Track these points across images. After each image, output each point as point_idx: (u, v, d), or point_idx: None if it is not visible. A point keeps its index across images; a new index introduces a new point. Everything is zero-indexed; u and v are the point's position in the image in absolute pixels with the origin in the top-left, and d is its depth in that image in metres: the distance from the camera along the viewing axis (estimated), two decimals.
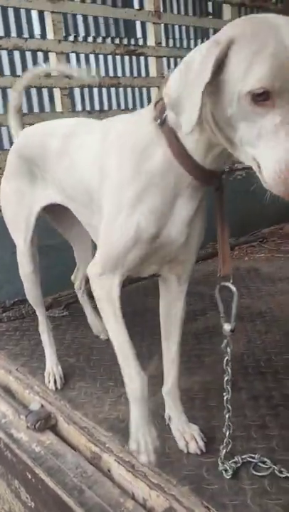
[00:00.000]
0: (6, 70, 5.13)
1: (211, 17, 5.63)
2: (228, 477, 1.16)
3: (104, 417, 1.45)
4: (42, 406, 1.57)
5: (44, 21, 2.39)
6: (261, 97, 0.82)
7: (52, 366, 1.69)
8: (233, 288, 1.16)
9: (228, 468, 1.18)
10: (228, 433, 1.23)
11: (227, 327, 1.19)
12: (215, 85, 0.87)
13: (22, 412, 1.55)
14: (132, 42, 5.37)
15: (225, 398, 1.23)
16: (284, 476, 1.15)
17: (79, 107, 4.24)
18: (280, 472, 1.15)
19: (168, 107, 0.98)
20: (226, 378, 1.24)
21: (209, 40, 0.89)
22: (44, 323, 1.73)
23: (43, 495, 1.37)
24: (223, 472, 1.18)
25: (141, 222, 1.08)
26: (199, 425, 1.36)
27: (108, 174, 1.14)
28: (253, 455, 1.21)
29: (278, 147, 0.83)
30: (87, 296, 1.95)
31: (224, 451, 1.22)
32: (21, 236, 1.65)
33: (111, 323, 1.19)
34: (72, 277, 2.02)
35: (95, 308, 1.92)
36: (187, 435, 1.31)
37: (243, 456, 1.21)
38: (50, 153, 1.40)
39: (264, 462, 1.19)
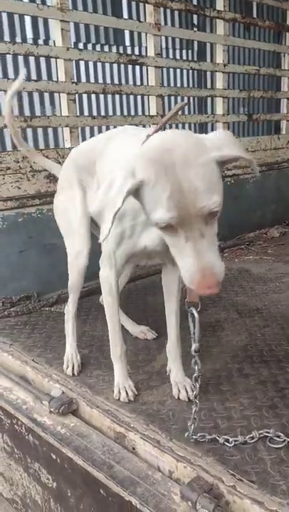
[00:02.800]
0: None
1: (196, 30, 5.84)
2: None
3: (125, 402, 1.56)
4: (63, 392, 1.66)
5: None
6: (165, 228, 1.06)
7: (72, 353, 1.80)
8: (196, 314, 1.31)
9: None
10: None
11: (194, 347, 1.32)
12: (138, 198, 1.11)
13: (43, 398, 1.64)
14: (135, 51, 5.57)
15: (193, 410, 1.35)
16: None
17: (86, 112, 4.39)
18: None
19: (92, 213, 1.33)
20: (194, 392, 1.36)
21: (127, 169, 1.08)
22: (73, 312, 1.85)
23: (68, 474, 1.47)
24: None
25: (123, 232, 1.39)
26: (214, 407, 1.49)
27: None
28: (269, 430, 1.34)
29: (184, 259, 1.07)
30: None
31: (192, 426, 1.35)
32: (80, 239, 1.75)
33: (109, 306, 1.58)
34: None
35: (127, 313, 2.06)
36: (181, 385, 1.58)
37: (260, 431, 1.34)
38: (95, 156, 1.60)
39: (278, 436, 1.32)
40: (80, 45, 5.69)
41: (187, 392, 1.56)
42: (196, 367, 1.33)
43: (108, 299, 1.58)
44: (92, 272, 1.69)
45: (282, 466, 1.23)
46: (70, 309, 1.85)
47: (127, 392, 1.57)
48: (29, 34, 5.79)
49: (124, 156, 1.25)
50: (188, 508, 1.16)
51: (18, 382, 1.78)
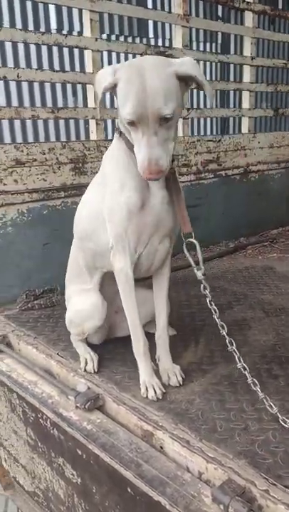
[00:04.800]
0: (45, 65, 5.21)
1: (220, 21, 5.74)
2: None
3: (152, 400, 1.53)
4: (88, 388, 1.64)
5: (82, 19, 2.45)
6: (129, 123, 1.31)
7: (86, 349, 1.80)
8: (195, 241, 1.51)
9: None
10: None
11: (199, 272, 1.50)
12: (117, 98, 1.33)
13: (69, 393, 1.62)
14: (159, 42, 5.50)
15: (216, 319, 1.51)
16: None
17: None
18: None
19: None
20: (215, 316, 1.51)
21: (111, 68, 1.34)
22: None
23: (94, 470, 1.45)
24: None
25: (128, 199, 1.48)
26: (244, 408, 1.46)
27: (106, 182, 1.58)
28: None
29: (141, 150, 1.32)
30: None
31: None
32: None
33: (126, 296, 1.58)
34: None
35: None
36: (170, 372, 1.62)
37: None
38: None
39: None
40: (104, 37, 5.67)
41: (177, 377, 1.60)
42: (207, 291, 1.50)
43: (126, 289, 1.57)
44: None
45: None
46: None
47: (154, 389, 1.55)
48: (53, 25, 5.76)
49: None
50: (220, 511, 1.13)
51: (42, 376, 1.77)
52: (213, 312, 1.50)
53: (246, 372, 1.46)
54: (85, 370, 1.73)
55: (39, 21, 5.61)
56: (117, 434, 1.45)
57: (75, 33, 5.07)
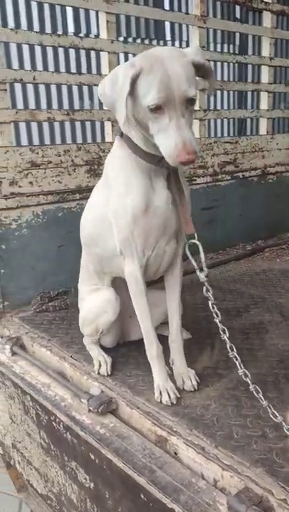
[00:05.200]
0: (62, 67, 5.24)
1: (238, 22, 5.69)
2: None
3: (166, 404, 1.50)
4: (102, 391, 1.62)
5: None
6: (155, 108, 1.29)
7: (99, 351, 1.79)
8: (198, 242, 1.50)
9: None
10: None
11: (202, 274, 1.48)
12: (132, 96, 1.32)
13: (82, 396, 1.60)
14: (176, 44, 5.47)
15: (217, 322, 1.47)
16: None
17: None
18: None
19: (104, 104, 1.41)
20: (217, 320, 1.47)
21: (126, 64, 1.32)
22: None
23: (107, 475, 1.42)
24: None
25: (133, 201, 1.47)
26: (261, 414, 1.41)
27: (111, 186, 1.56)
28: None
29: (167, 137, 1.30)
30: None
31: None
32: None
33: (137, 300, 1.58)
34: None
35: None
36: (185, 376, 1.59)
37: None
38: None
39: None
40: (121, 39, 5.67)
41: (192, 381, 1.57)
42: (210, 293, 1.48)
43: (136, 293, 1.57)
44: None
45: None
46: None
47: (169, 394, 1.52)
48: (70, 28, 5.79)
49: None
50: None
51: (56, 379, 1.76)
52: (215, 316, 1.47)
53: (248, 379, 1.40)
54: (99, 373, 1.71)
55: (56, 25, 5.64)
56: (131, 438, 1.43)
57: (92, 35, 5.07)
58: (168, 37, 6.37)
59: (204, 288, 1.48)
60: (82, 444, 1.51)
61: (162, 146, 1.32)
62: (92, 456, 1.46)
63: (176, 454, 1.36)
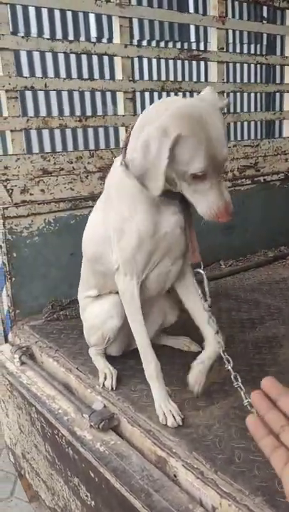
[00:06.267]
0: (74, 73, 5.25)
1: (265, 22, 5.57)
2: None
3: (173, 426, 1.44)
4: (104, 406, 1.58)
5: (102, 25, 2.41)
6: (198, 176, 1.25)
7: (105, 364, 1.73)
8: (203, 272, 1.46)
9: None
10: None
11: (205, 304, 1.45)
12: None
13: (85, 410, 1.57)
14: (193, 46, 5.39)
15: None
16: None
17: (139, 111, 4.37)
18: None
19: (133, 174, 1.31)
20: (221, 350, 1.44)
21: (158, 128, 1.21)
22: None
23: (106, 494, 1.38)
24: None
25: (140, 226, 1.41)
26: None
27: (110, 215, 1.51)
28: None
29: (208, 199, 1.28)
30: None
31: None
32: None
33: (133, 317, 1.51)
34: None
35: (165, 332, 1.92)
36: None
37: None
38: None
39: None
40: (144, 43, 5.62)
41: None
42: (213, 322, 1.45)
43: (131, 309, 1.51)
44: None
45: None
46: None
47: (174, 416, 1.44)
48: (93, 33, 5.81)
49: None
50: None
51: (61, 391, 1.73)
52: (216, 343, 1.47)
53: (254, 410, 1.29)
54: (104, 386, 1.67)
55: (79, 31, 5.65)
56: (130, 458, 1.38)
57: (104, 40, 5.01)
58: (192, 39, 6.29)
59: (206, 315, 1.47)
60: (82, 461, 1.47)
61: (200, 206, 1.30)
62: (92, 474, 1.43)
63: (175, 476, 1.30)
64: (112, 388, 1.65)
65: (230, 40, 6.03)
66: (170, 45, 5.74)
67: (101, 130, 5.69)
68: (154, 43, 5.68)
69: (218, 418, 1.45)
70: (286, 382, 1.62)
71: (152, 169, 1.23)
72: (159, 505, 1.20)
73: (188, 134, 1.19)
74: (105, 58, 2.97)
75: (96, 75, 5.20)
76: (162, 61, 4.05)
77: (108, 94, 3.26)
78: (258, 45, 6.78)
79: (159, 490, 1.25)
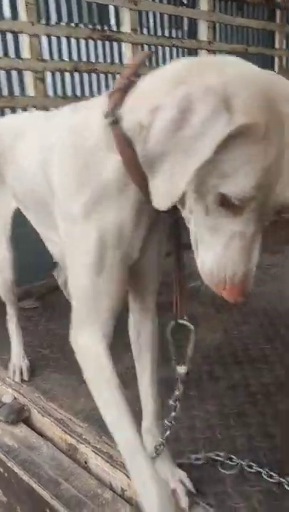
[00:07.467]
0: None
1: (184, 7, 5.59)
2: None
3: (80, 408, 1.41)
4: (15, 398, 1.52)
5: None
6: (233, 203, 0.72)
7: (18, 356, 1.64)
8: (190, 325, 1.02)
9: None
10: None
11: (181, 369, 1.05)
12: None
13: None
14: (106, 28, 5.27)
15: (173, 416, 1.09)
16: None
17: (51, 92, 4.13)
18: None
19: (142, 158, 0.76)
20: (172, 414, 1.08)
21: (215, 92, 0.68)
22: (11, 312, 1.67)
23: (16, 489, 1.33)
24: None
25: (103, 233, 0.88)
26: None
27: (54, 189, 0.97)
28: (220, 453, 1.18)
29: (224, 251, 0.76)
30: None
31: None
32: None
33: (103, 395, 0.95)
34: (55, 274, 1.97)
35: None
36: (174, 479, 1.09)
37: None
38: (3, 152, 1.33)
39: (231, 459, 1.16)
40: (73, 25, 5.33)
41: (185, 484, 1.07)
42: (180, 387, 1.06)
43: (99, 380, 0.95)
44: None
45: (244, 486, 1.09)
46: (7, 310, 1.67)
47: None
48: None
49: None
50: None
51: None
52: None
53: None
54: (14, 379, 1.60)
55: None
56: (40, 449, 1.34)
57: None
58: (112, 21, 6.18)
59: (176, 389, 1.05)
60: None
61: (204, 255, 0.78)
62: (1, 470, 1.37)
63: (86, 463, 1.28)
64: (22, 380, 1.58)
65: (151, 24, 5.99)
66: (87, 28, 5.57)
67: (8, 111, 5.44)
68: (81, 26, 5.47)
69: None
70: (199, 362, 1.61)
71: (180, 156, 0.68)
72: (67, 494, 1.17)
73: (259, 134, 0.68)
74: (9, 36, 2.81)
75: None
76: (74, 41, 3.90)
77: (14, 74, 3.08)
78: (179, 31, 6.80)
79: (68, 478, 1.22)
